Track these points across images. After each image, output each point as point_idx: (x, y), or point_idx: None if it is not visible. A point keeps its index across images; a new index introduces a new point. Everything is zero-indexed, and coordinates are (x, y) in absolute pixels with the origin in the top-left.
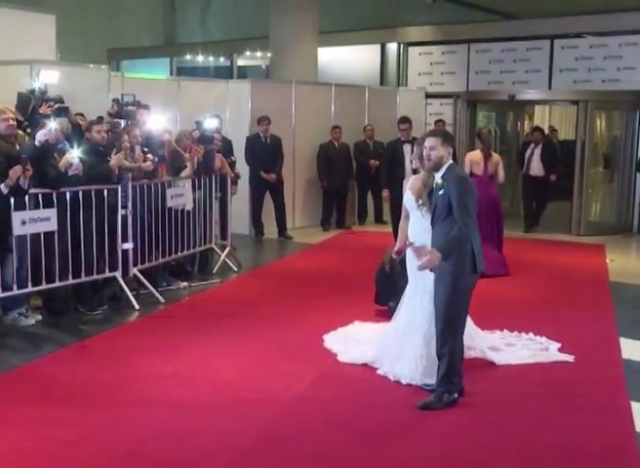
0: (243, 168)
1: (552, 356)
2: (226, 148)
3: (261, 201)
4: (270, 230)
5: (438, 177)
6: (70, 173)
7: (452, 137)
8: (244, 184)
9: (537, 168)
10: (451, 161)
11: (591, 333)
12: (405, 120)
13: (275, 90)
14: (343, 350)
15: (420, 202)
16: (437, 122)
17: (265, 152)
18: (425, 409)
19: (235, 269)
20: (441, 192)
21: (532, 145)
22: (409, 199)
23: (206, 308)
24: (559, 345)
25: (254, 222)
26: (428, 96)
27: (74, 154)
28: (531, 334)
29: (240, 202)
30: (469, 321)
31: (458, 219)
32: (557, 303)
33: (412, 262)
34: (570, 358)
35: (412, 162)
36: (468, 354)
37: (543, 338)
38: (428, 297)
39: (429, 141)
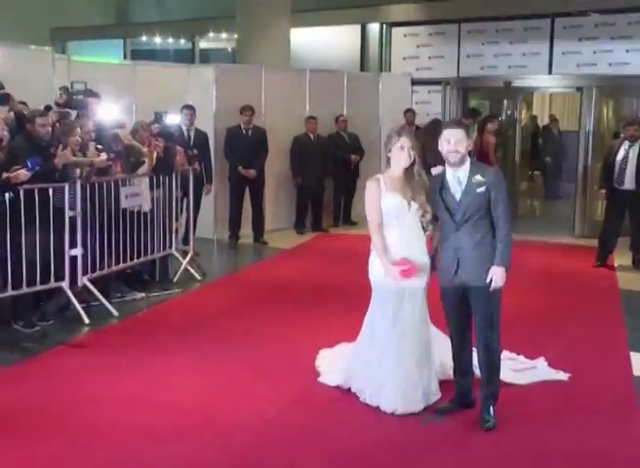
0: (222, 163)
1: (543, 375)
2: (200, 142)
3: (240, 200)
4: (243, 233)
5: (463, 173)
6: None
7: (470, 128)
8: (221, 182)
9: (630, 178)
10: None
11: (599, 348)
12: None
13: (243, 76)
14: (328, 370)
15: (416, 205)
16: (407, 112)
17: (246, 146)
18: (492, 429)
19: (199, 278)
20: (480, 190)
21: (624, 144)
22: (393, 203)
23: (166, 322)
24: (545, 362)
25: (231, 224)
26: (415, 82)
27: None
28: (512, 354)
29: (204, 202)
30: (439, 335)
31: (502, 220)
32: (560, 314)
33: (390, 284)
34: (564, 376)
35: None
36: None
37: (522, 357)
38: (419, 319)
39: (455, 134)
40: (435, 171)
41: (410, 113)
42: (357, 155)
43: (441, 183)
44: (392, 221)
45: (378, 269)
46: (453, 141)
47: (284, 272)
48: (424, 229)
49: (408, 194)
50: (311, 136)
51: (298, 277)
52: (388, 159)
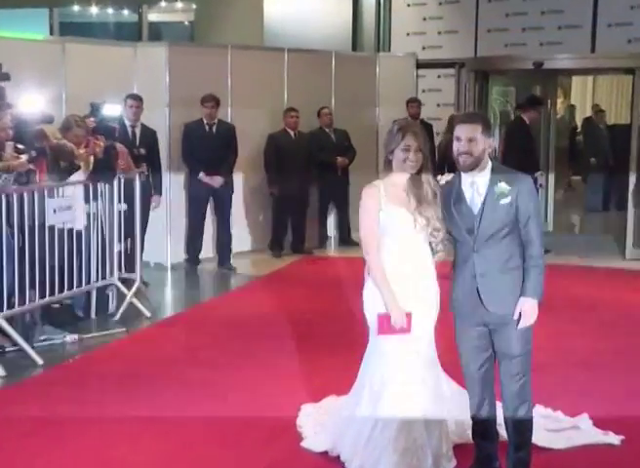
0: (178, 168)
1: (587, 437)
2: (147, 142)
3: (201, 215)
4: (205, 257)
5: (483, 180)
6: None
7: (490, 123)
8: (177, 192)
9: None
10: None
11: None
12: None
13: (203, 57)
14: (312, 432)
15: (424, 221)
16: (410, 102)
17: (209, 146)
18: None
19: (147, 314)
20: (505, 201)
21: None
22: (395, 218)
23: (104, 371)
24: (590, 421)
25: (189, 245)
26: (421, 65)
27: None
28: (548, 410)
29: (155, 218)
30: (454, 386)
31: (532, 239)
32: (609, 359)
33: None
34: (615, 439)
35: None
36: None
37: (559, 414)
38: (427, 366)
39: (467, 130)
40: (444, 179)
41: (414, 104)
42: (345, 157)
43: (455, 193)
44: (393, 242)
45: (375, 303)
46: (464, 140)
47: (256, 306)
48: (434, 252)
49: (414, 207)
50: (291, 133)
51: (273, 312)
52: (389, 162)
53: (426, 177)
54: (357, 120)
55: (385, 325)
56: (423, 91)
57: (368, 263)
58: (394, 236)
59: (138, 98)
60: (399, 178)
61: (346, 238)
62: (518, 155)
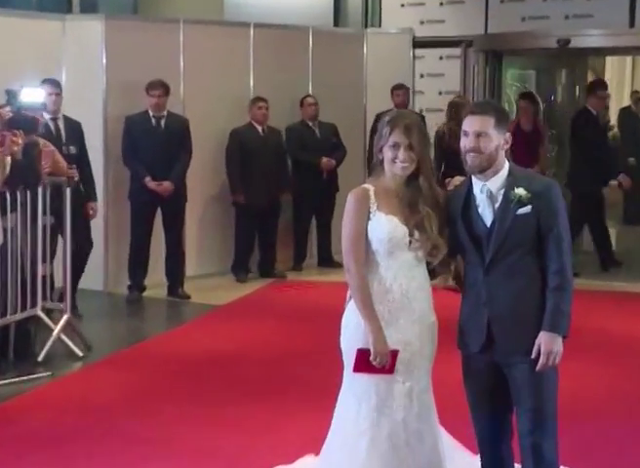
0: (118, 171)
1: None
2: (76, 136)
3: (147, 230)
4: (152, 282)
5: (497, 185)
6: None
7: (506, 115)
8: (117, 201)
9: None
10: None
11: None
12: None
13: (149, 34)
14: None
15: (422, 236)
16: (396, 89)
17: (157, 145)
18: None
19: (79, 354)
20: (523, 211)
21: None
22: (387, 231)
23: (22, 427)
24: None
25: (132, 268)
26: (418, 43)
27: None
28: None
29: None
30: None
31: (558, 259)
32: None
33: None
34: None
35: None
36: None
37: None
38: (420, 417)
39: (476, 123)
40: (453, 184)
41: (400, 92)
42: (333, 157)
43: (463, 201)
44: (382, 259)
45: (355, 332)
46: (471, 135)
47: (214, 343)
48: (433, 274)
49: (409, 218)
50: (259, 128)
51: (235, 351)
52: (381, 162)
53: (426, 181)
54: (340, 112)
55: (363, 360)
56: (422, 76)
57: (349, 283)
58: (384, 252)
59: (56, 84)
60: (392, 183)
61: (329, 258)
62: (592, 156)
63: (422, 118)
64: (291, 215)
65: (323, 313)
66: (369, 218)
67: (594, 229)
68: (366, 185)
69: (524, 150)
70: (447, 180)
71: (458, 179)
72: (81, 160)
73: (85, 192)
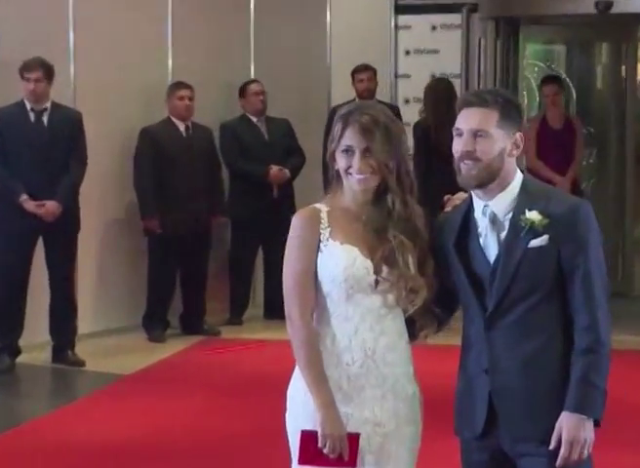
0: None
1: None
2: None
3: (23, 269)
4: (29, 342)
5: (504, 205)
6: None
7: (518, 107)
8: None
9: None
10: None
11: None
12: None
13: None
14: None
15: (393, 274)
16: (358, 72)
17: (38, 150)
18: None
19: None
20: (538, 242)
21: None
22: (344, 266)
23: None
24: None
25: (2, 323)
26: (402, 8)
27: None
28: None
29: None
30: None
31: (587, 308)
32: None
33: None
34: None
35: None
36: None
37: None
38: None
39: (470, 118)
40: (452, 203)
41: (365, 74)
42: (286, 166)
43: (459, 226)
44: (339, 306)
45: (304, 410)
46: (466, 134)
47: (118, 428)
48: (413, 330)
49: (375, 249)
50: (181, 126)
51: (148, 438)
52: (337, 173)
53: (397, 198)
54: (296, 103)
55: (310, 448)
56: (407, 53)
57: (291, 338)
58: (339, 295)
59: None
60: (352, 202)
61: (280, 307)
62: None
63: (394, 110)
64: (227, 249)
65: (270, 384)
66: (319, 249)
67: None
68: (317, 205)
69: (552, 156)
70: (446, 198)
71: (459, 197)
72: None
73: None
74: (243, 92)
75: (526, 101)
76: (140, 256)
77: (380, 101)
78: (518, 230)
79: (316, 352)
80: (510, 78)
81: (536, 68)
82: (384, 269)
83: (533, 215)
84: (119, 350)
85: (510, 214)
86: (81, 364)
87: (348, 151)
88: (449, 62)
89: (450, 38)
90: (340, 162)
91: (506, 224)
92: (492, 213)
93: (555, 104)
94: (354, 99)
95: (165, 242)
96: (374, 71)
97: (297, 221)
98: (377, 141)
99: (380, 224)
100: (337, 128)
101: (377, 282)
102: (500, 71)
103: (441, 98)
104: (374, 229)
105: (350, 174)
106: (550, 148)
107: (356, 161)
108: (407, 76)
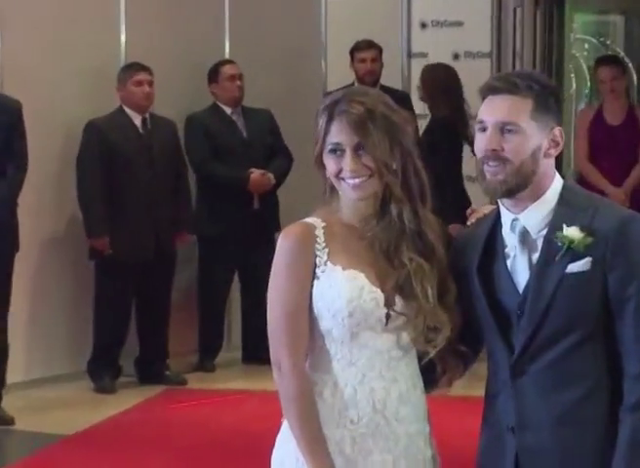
0: None
1: None
2: None
3: None
4: None
5: (537, 218)
6: None
7: (557, 96)
8: None
9: None
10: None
11: None
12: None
13: None
14: None
15: (408, 307)
16: (359, 50)
17: None
18: None
19: None
20: (576, 267)
21: None
22: (349, 298)
23: None
24: None
25: None
26: None
27: None
28: None
29: None
30: None
31: (635, 352)
32: None
33: None
34: None
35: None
36: None
37: None
38: None
39: (495, 108)
40: (475, 216)
41: (368, 53)
42: (270, 169)
43: (483, 245)
44: (340, 348)
45: None
46: (491, 128)
47: None
48: (429, 375)
49: (386, 275)
50: (136, 119)
51: None
52: (330, 182)
53: (406, 209)
54: (282, 91)
55: None
56: (424, 25)
57: (279, 389)
58: (341, 334)
59: None
60: (353, 215)
61: (263, 349)
62: None
63: (403, 99)
64: (195, 275)
65: (251, 446)
66: (315, 276)
67: None
68: (310, 220)
69: (607, 159)
70: (469, 211)
71: (486, 209)
72: None
73: None
74: (214, 75)
75: (574, 87)
76: (84, 285)
77: (386, 87)
78: (554, 251)
79: (311, 406)
80: (554, 58)
81: (586, 45)
82: (398, 301)
83: (572, 232)
84: (57, 404)
85: (545, 231)
86: (9, 421)
87: (337, 151)
88: (476, 38)
89: (477, 7)
90: (329, 166)
91: (540, 243)
92: (522, 228)
93: (614, 92)
94: (353, 84)
95: (116, 266)
96: (379, 49)
97: (285, 242)
98: (372, 136)
99: (390, 243)
100: (320, 123)
101: (388, 317)
102: (541, 49)
103: (451, 87)
104: (383, 250)
105: (342, 179)
106: (604, 149)
107: (347, 162)
108: (423, 55)
